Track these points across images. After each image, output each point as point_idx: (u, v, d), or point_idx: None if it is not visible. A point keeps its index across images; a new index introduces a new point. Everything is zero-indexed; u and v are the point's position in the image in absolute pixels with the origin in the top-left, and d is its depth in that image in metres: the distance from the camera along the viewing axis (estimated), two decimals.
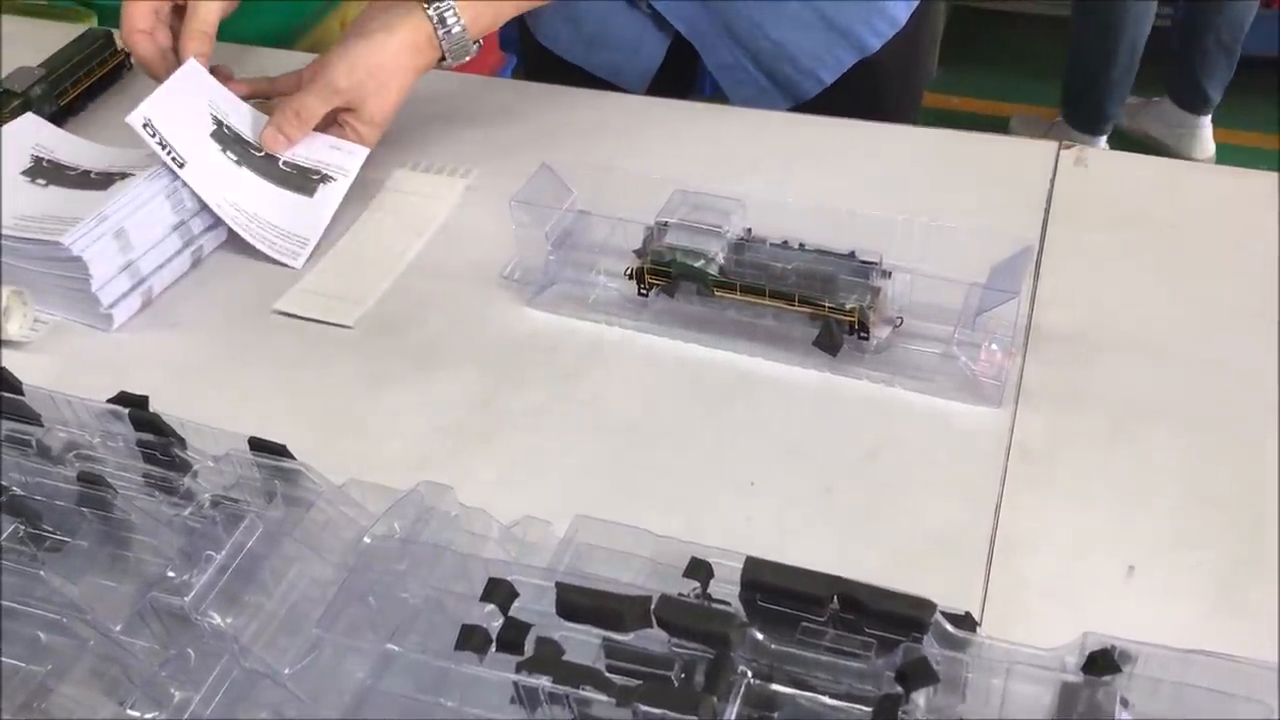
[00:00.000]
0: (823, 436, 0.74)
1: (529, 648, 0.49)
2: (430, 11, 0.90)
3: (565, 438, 0.75)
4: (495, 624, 0.50)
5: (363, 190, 0.95)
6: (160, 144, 0.86)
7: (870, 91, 1.11)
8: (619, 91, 1.12)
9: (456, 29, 0.90)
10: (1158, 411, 0.74)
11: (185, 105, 0.90)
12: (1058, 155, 0.95)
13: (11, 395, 0.64)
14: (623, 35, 1.11)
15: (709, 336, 0.81)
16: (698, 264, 0.79)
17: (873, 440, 0.73)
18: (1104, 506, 0.69)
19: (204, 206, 0.89)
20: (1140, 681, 0.49)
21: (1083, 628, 0.52)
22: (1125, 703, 0.48)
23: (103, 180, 0.88)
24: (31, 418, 0.64)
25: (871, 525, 0.68)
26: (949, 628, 0.49)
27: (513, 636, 0.49)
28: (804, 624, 0.49)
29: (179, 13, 0.95)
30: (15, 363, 0.72)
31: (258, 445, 0.63)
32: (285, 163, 0.92)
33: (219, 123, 0.91)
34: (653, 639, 0.49)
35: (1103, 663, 0.47)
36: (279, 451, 0.62)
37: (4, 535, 0.56)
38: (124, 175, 0.88)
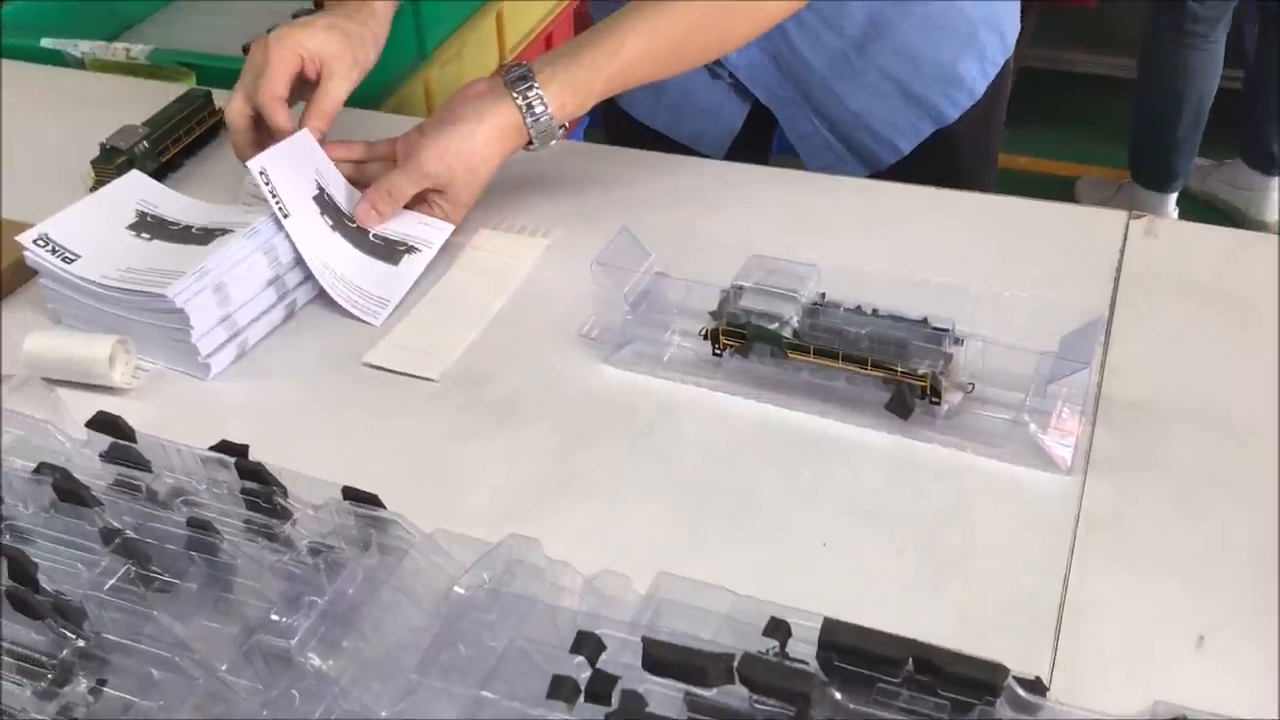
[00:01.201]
0: (894, 499, 0.75)
1: (615, 700, 0.51)
2: (519, 101, 0.93)
3: (640, 493, 0.77)
4: (583, 675, 0.52)
5: (448, 249, 0.99)
6: (271, 193, 0.91)
7: (947, 160, 1.14)
8: (697, 156, 1.15)
9: (544, 117, 0.93)
10: (1226, 482, 0.75)
11: (296, 166, 0.95)
12: (1127, 225, 0.96)
13: (125, 443, 0.67)
14: (704, 104, 1.15)
15: (782, 397, 0.83)
16: (772, 326, 0.81)
17: (943, 504, 0.75)
18: (1173, 575, 0.69)
19: (298, 261, 0.93)
20: None
21: (1152, 697, 0.53)
22: None
23: (203, 236, 0.93)
24: (142, 464, 0.67)
25: (942, 589, 0.70)
26: (1021, 692, 0.50)
27: (601, 688, 0.51)
28: (879, 684, 0.51)
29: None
30: (118, 409, 0.76)
31: (350, 494, 0.66)
32: (375, 235, 0.97)
33: (321, 189, 0.96)
34: (734, 695, 0.51)
35: None
36: (372, 501, 0.65)
37: (117, 576, 0.59)
38: (224, 231, 0.93)
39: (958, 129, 1.12)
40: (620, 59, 0.93)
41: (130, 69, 1.33)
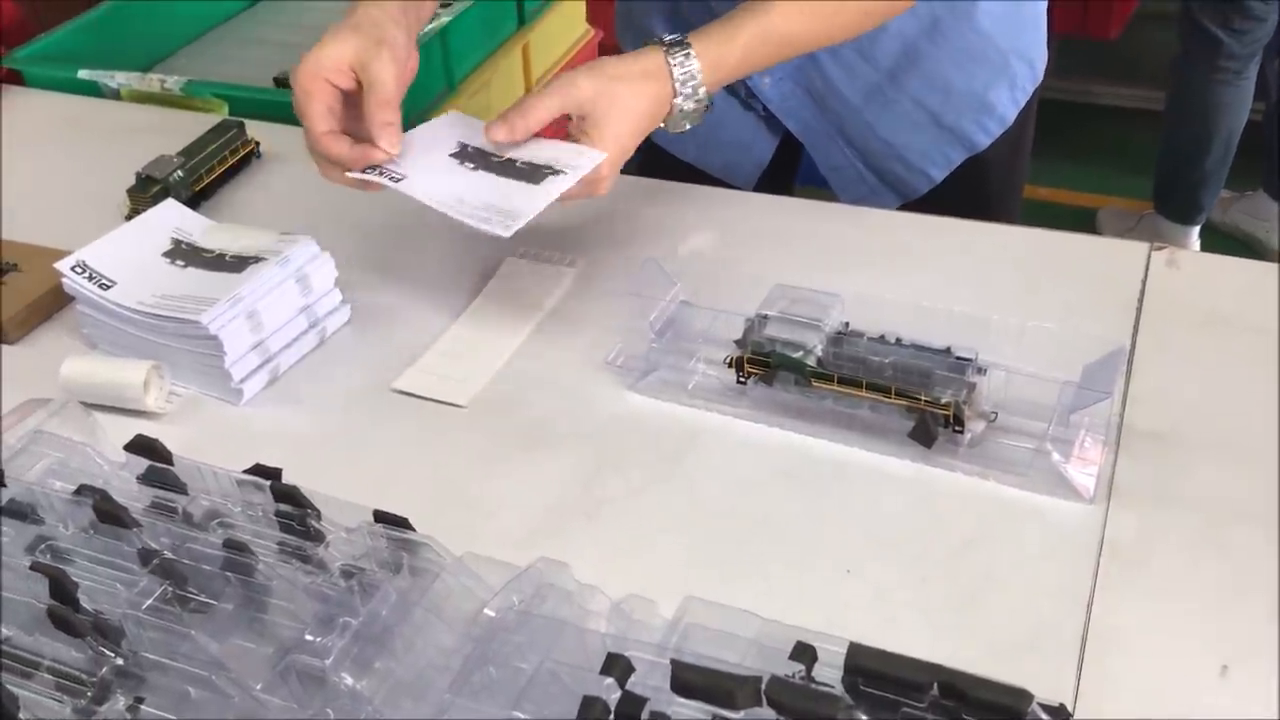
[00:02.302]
0: (917, 527, 0.76)
1: None
2: (673, 65, 0.90)
3: (665, 519, 0.78)
4: (612, 697, 0.53)
5: (477, 277, 1.00)
6: (379, 172, 0.91)
7: (978, 187, 1.15)
8: (725, 186, 1.16)
9: (693, 84, 0.91)
10: (1249, 512, 0.75)
11: (428, 141, 0.95)
12: (1149, 256, 0.97)
13: (162, 465, 0.69)
14: (735, 136, 1.16)
15: (805, 425, 0.84)
16: (796, 355, 0.82)
17: (967, 532, 0.76)
18: (1196, 605, 0.70)
19: (330, 289, 0.95)
20: None
21: None
22: None
23: (237, 263, 0.95)
24: (178, 487, 0.69)
25: (965, 616, 0.70)
26: (1045, 718, 0.51)
27: (630, 710, 0.52)
28: (905, 709, 0.52)
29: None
30: (152, 432, 0.77)
31: (381, 518, 0.67)
32: (522, 162, 0.92)
33: (463, 145, 0.94)
34: (760, 718, 0.51)
35: None
36: (403, 524, 0.66)
37: (155, 596, 0.60)
38: (257, 259, 0.94)
39: (988, 156, 1.13)
40: (774, 37, 0.92)
41: (165, 100, 1.35)
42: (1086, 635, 0.68)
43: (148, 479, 0.70)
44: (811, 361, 0.82)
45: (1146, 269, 0.96)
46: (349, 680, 0.55)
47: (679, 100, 0.90)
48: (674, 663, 0.52)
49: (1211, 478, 0.78)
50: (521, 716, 0.52)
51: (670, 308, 0.88)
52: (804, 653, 0.54)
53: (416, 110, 1.46)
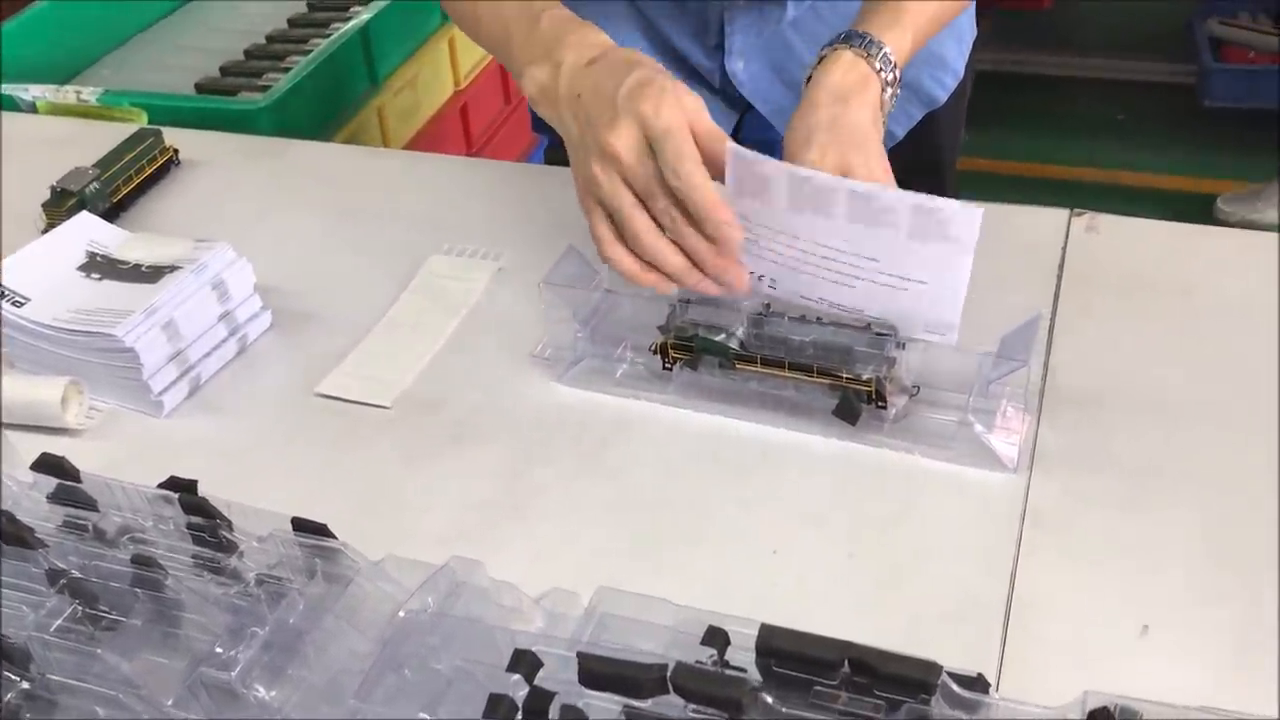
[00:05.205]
0: (844, 504, 0.76)
1: (555, 715, 0.52)
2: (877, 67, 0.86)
3: (594, 510, 0.78)
4: (522, 693, 0.52)
5: (400, 276, 0.99)
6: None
7: (931, 140, 1.16)
8: None
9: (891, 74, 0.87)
10: (1171, 473, 0.76)
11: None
12: (1069, 222, 0.98)
13: (70, 483, 0.67)
14: None
15: (731, 408, 0.83)
16: (718, 338, 0.82)
17: (893, 507, 0.76)
18: (1119, 568, 0.70)
19: (249, 295, 0.94)
20: None
21: (1098, 687, 0.54)
22: None
23: (152, 274, 0.93)
24: (88, 504, 0.67)
25: (893, 590, 0.70)
26: (956, 688, 0.51)
27: (538, 705, 0.51)
28: (817, 688, 0.52)
29: None
30: (72, 450, 0.76)
31: (300, 525, 0.66)
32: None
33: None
34: (672, 705, 0.51)
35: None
36: (320, 531, 0.65)
37: (64, 616, 0.59)
38: (173, 269, 0.93)
39: (940, 111, 1.15)
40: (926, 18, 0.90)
41: (82, 111, 1.33)
42: (1011, 603, 0.69)
43: (57, 497, 0.68)
44: (734, 344, 0.82)
45: (1066, 235, 0.96)
46: (260, 691, 0.54)
47: (886, 96, 0.86)
48: (580, 655, 0.51)
49: (1133, 441, 0.78)
50: (426, 718, 0.51)
51: (594, 296, 0.88)
52: (716, 637, 0.54)
53: (340, 109, 1.45)
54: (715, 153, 0.77)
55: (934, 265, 0.76)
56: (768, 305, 0.84)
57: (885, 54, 0.85)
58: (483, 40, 0.96)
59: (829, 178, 0.76)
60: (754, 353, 0.81)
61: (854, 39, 0.85)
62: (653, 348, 0.85)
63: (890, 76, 0.85)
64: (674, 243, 0.79)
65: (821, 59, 0.86)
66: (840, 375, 0.79)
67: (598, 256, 0.84)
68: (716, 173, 0.78)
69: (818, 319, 0.82)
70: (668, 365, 0.85)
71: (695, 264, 0.79)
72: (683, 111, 0.76)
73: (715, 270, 0.79)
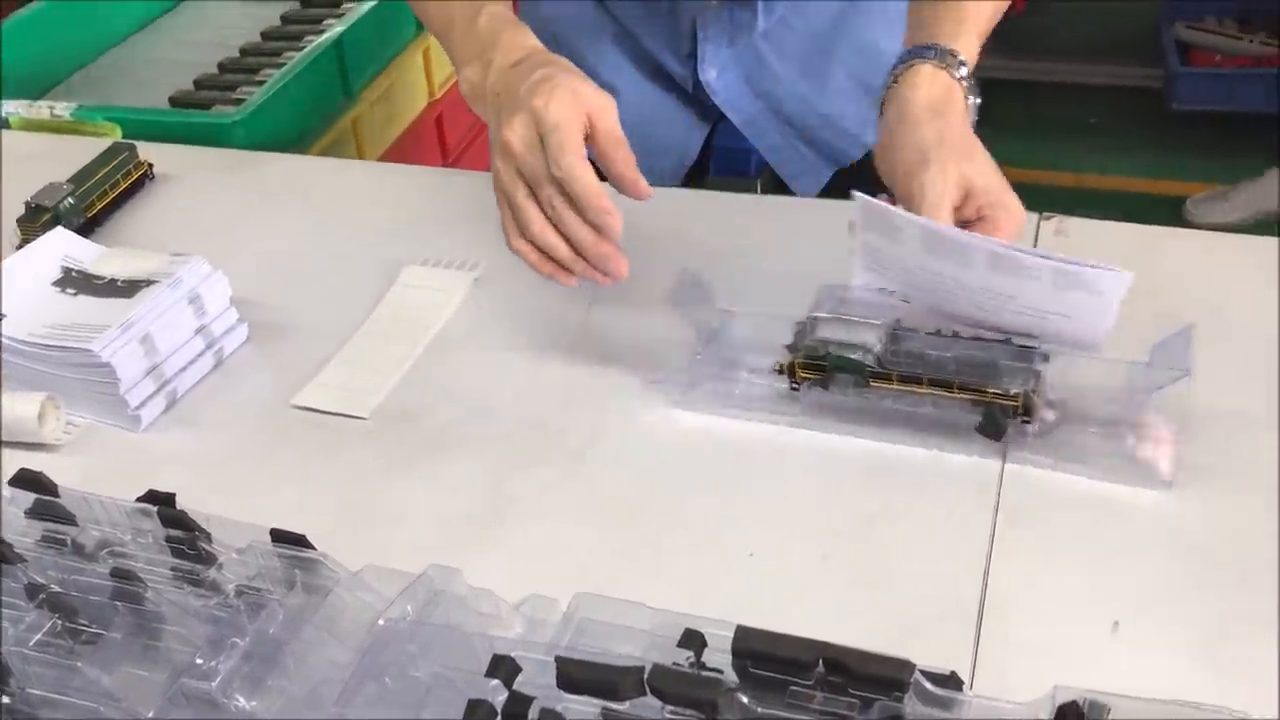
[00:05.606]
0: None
1: (535, 719, 0.52)
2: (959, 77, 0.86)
3: (576, 514, 0.78)
4: (501, 698, 0.53)
5: (377, 288, 0.99)
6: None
7: None
8: None
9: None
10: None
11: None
12: (1039, 225, 0.99)
13: (48, 498, 0.68)
14: (664, 140, 1.15)
15: (862, 427, 0.81)
16: (855, 355, 0.79)
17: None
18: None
19: (226, 309, 0.94)
20: None
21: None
22: None
23: (128, 288, 0.93)
24: (67, 518, 0.68)
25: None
26: (929, 686, 0.52)
27: (516, 709, 0.52)
28: (793, 688, 0.52)
29: None
30: (50, 465, 0.77)
31: (279, 536, 0.67)
32: None
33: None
34: (649, 707, 0.52)
35: (1071, 714, 0.50)
36: (298, 541, 0.66)
37: (43, 631, 0.59)
38: (149, 282, 0.93)
39: None
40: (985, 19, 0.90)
41: (55, 127, 1.33)
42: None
43: (35, 512, 0.69)
44: (870, 360, 0.78)
45: (1035, 239, 0.98)
46: (240, 701, 0.55)
47: (970, 103, 0.86)
48: (558, 659, 0.52)
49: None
50: None
51: (717, 317, 0.84)
52: (692, 639, 0.54)
53: (315, 121, 1.45)
54: (609, 152, 0.80)
55: (1078, 308, 0.76)
56: (899, 320, 0.81)
57: (961, 61, 0.85)
58: (432, 31, 0.98)
59: (965, 236, 0.76)
60: (891, 369, 0.78)
61: (928, 52, 0.85)
62: (778, 367, 0.82)
63: (969, 83, 0.85)
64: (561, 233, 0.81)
65: (898, 75, 0.85)
66: (985, 390, 0.76)
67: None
68: (612, 172, 0.81)
69: (954, 332, 0.79)
70: (795, 385, 0.82)
71: (578, 252, 0.81)
72: (575, 107, 0.79)
73: (595, 257, 0.80)
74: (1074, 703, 0.50)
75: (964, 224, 0.80)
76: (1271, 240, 0.95)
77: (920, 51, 0.85)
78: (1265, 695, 0.62)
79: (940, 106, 0.83)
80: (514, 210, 0.83)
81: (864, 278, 0.83)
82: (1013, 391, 0.75)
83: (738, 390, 0.84)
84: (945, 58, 0.84)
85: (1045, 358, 0.77)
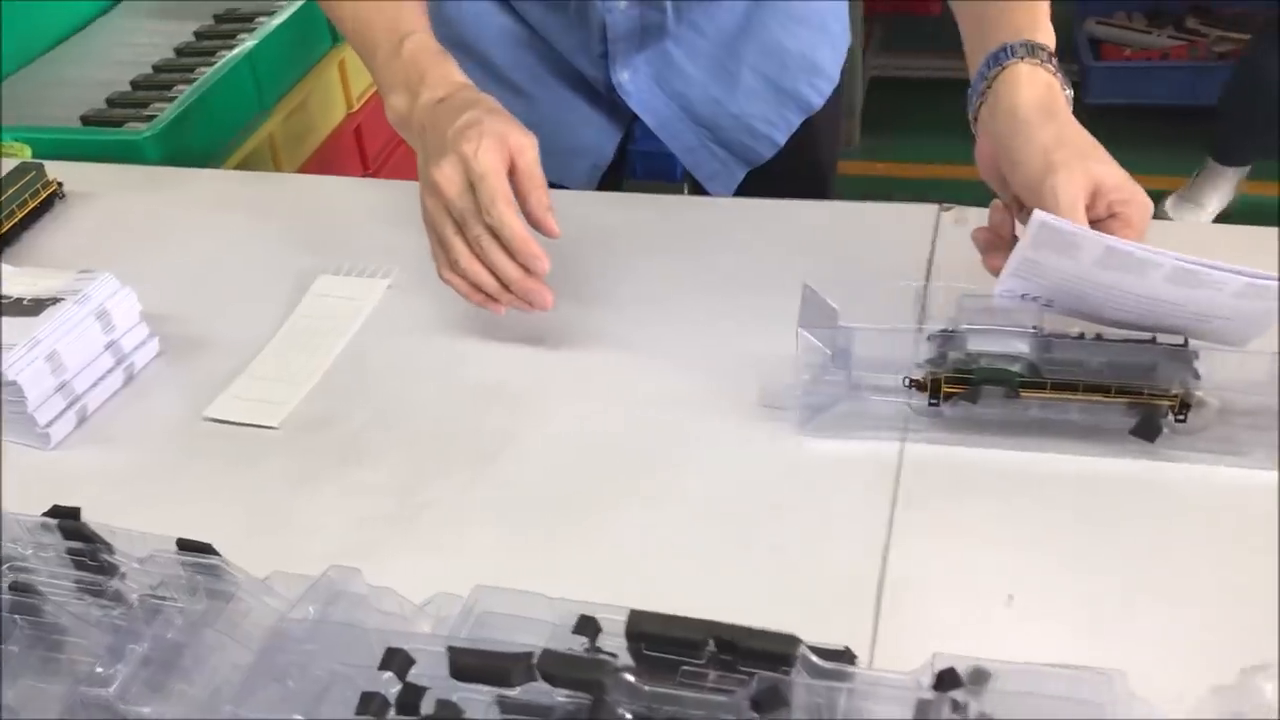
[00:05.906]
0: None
1: (430, 710, 0.53)
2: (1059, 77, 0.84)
3: (486, 515, 0.79)
4: (393, 690, 0.54)
5: (289, 297, 1.00)
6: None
7: (810, 146, 1.21)
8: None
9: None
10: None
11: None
12: (938, 217, 1.01)
13: None
14: (574, 142, 1.16)
15: (1008, 439, 0.79)
16: (1010, 366, 0.77)
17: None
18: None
19: (135, 324, 0.94)
20: (998, 696, 0.54)
21: None
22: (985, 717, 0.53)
23: (34, 306, 0.93)
24: None
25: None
26: (815, 659, 0.53)
27: (410, 699, 0.53)
28: (685, 667, 0.54)
29: None
30: None
31: (185, 545, 0.67)
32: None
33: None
34: (541, 691, 0.53)
35: (949, 679, 0.51)
36: (202, 549, 0.66)
37: None
38: (55, 300, 0.93)
39: (817, 117, 1.19)
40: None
41: None
42: None
43: None
44: (1022, 369, 0.77)
45: (936, 230, 1.00)
46: (139, 707, 0.55)
47: (1069, 95, 0.84)
48: (450, 649, 0.53)
49: None
50: (298, 718, 0.52)
51: (844, 335, 0.80)
52: (587, 625, 0.56)
53: (229, 135, 1.45)
54: (525, 192, 0.85)
55: (1245, 313, 0.75)
56: (1036, 327, 0.79)
57: (1050, 54, 0.83)
58: (352, 46, 1.00)
59: (1149, 253, 0.74)
60: (1044, 378, 0.76)
61: (1018, 50, 0.82)
62: (919, 383, 0.79)
63: (1062, 77, 0.83)
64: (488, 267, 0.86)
65: (991, 80, 0.83)
66: (1142, 392, 0.75)
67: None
68: (525, 208, 0.85)
69: (1096, 335, 0.79)
70: (934, 401, 0.79)
71: (505, 286, 0.86)
72: (500, 154, 0.83)
73: (522, 292, 0.86)
74: (951, 669, 0.52)
75: (1095, 223, 0.78)
76: None
77: (1011, 50, 0.82)
78: None
79: (1049, 106, 0.81)
80: (443, 245, 0.87)
81: (1008, 284, 0.79)
82: (1174, 391, 0.75)
83: (867, 410, 0.81)
84: (1038, 53, 0.82)
85: (1195, 355, 0.76)
